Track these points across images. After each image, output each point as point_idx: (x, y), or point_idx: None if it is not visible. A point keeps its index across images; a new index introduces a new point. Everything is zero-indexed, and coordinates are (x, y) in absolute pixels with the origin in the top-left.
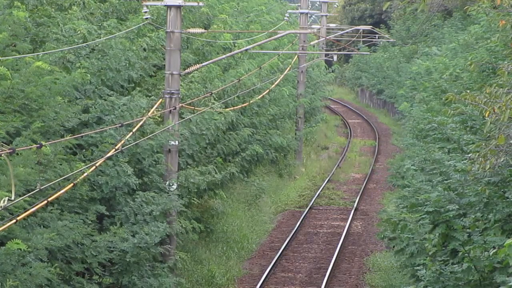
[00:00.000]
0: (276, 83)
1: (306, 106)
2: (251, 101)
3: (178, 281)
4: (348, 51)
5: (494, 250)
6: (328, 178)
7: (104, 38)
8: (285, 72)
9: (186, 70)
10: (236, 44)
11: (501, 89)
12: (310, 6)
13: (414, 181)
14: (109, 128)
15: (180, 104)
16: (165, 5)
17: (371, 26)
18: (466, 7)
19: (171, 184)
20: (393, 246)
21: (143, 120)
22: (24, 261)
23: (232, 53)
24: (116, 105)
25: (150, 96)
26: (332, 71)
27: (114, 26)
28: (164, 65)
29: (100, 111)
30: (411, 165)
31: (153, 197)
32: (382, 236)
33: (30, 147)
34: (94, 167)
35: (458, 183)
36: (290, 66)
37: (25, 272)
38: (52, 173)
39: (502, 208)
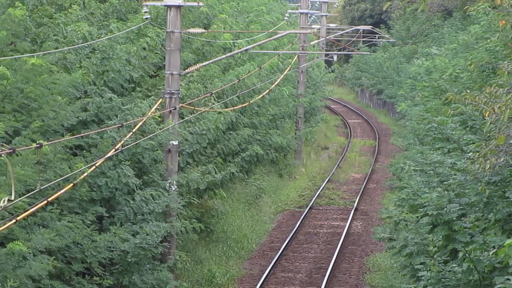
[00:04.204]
0: (276, 83)
1: (306, 106)
2: (251, 101)
3: (180, 284)
4: (348, 51)
5: (494, 250)
6: (328, 178)
7: (105, 38)
8: (285, 72)
9: (186, 70)
10: (236, 44)
11: (501, 89)
12: (310, 6)
13: (412, 183)
14: (110, 129)
15: (180, 104)
16: (165, 5)
17: (371, 26)
18: (466, 7)
19: (171, 185)
20: (392, 247)
21: (143, 120)
22: (24, 264)
23: (232, 53)
24: (116, 106)
25: (150, 96)
26: (332, 71)
27: (116, 26)
28: (164, 65)
29: (97, 108)
30: (410, 166)
31: (152, 195)
32: (379, 237)
33: (30, 147)
34: (94, 167)
35: (458, 183)
36: (290, 66)
37: (25, 273)
38: (52, 173)
39: (502, 208)
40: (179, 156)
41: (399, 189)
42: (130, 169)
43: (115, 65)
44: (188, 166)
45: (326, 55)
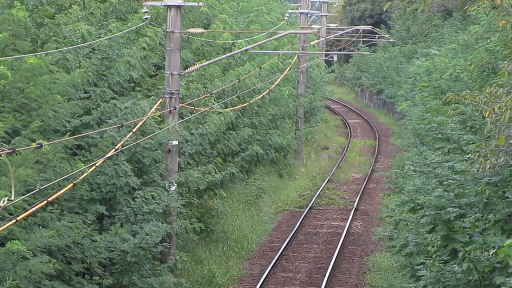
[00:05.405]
0: (276, 83)
1: (306, 106)
2: (251, 101)
3: (178, 281)
4: (348, 51)
5: (494, 250)
6: (328, 178)
7: (105, 38)
8: (285, 72)
9: (186, 70)
10: (236, 44)
11: (501, 89)
12: (310, 6)
13: (414, 182)
14: (110, 129)
15: (180, 104)
16: (165, 5)
17: (371, 26)
18: (466, 7)
19: (171, 185)
20: (392, 247)
21: (143, 120)
22: (24, 264)
23: (232, 53)
24: (117, 107)
25: (150, 96)
26: (332, 71)
27: (115, 26)
28: (164, 64)
29: (101, 113)
30: (410, 167)
31: (152, 195)
32: (379, 237)
33: (30, 147)
34: (94, 167)
35: (458, 183)
36: (290, 66)
37: (25, 268)
38: (51, 173)
39: (502, 208)
40: (179, 156)
41: (394, 193)
42: (128, 165)
43: (120, 68)
44: (189, 166)
45: (326, 55)
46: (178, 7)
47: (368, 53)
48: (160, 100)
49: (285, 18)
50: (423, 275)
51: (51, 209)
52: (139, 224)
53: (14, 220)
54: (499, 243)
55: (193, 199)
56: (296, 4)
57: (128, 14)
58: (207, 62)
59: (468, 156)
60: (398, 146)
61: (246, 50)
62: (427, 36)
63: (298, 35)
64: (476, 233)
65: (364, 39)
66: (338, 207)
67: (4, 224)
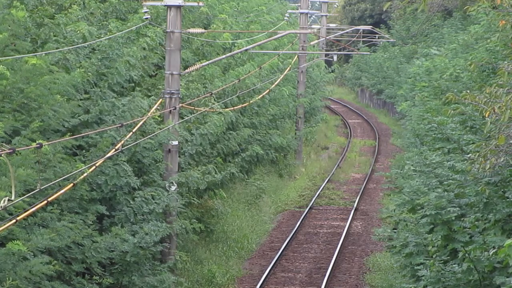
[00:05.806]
0: (276, 83)
1: (306, 106)
2: (251, 101)
3: (178, 280)
4: (348, 51)
5: (494, 250)
6: (328, 178)
7: (105, 38)
8: (285, 72)
9: (186, 70)
10: (236, 44)
11: (501, 89)
12: (310, 6)
13: (411, 183)
14: (110, 129)
15: (180, 104)
16: (165, 5)
17: (371, 26)
18: (466, 7)
19: (170, 185)
20: (392, 247)
21: (143, 120)
22: (24, 264)
23: (232, 53)
24: (116, 106)
25: (150, 96)
26: (332, 71)
27: (115, 26)
28: (164, 64)
29: (99, 112)
30: (410, 167)
31: (153, 195)
32: (378, 237)
33: (30, 147)
34: (94, 167)
35: (458, 183)
36: (290, 66)
37: (25, 269)
38: (51, 173)
39: (502, 208)
40: (179, 157)
41: (394, 193)
42: (128, 165)
43: (121, 68)
44: (189, 166)
45: (326, 55)
46: (178, 7)
47: (368, 53)
48: (160, 100)
49: (285, 18)
50: (423, 275)
51: (51, 209)
52: (139, 224)
53: (14, 220)
54: (499, 243)
55: (193, 199)
56: (296, 4)
57: (128, 14)
58: (207, 62)
59: (468, 156)
60: (398, 146)
61: (246, 50)
62: (427, 36)
63: (298, 35)
64: (476, 233)
65: (364, 39)
66: (338, 207)
67: (4, 224)
